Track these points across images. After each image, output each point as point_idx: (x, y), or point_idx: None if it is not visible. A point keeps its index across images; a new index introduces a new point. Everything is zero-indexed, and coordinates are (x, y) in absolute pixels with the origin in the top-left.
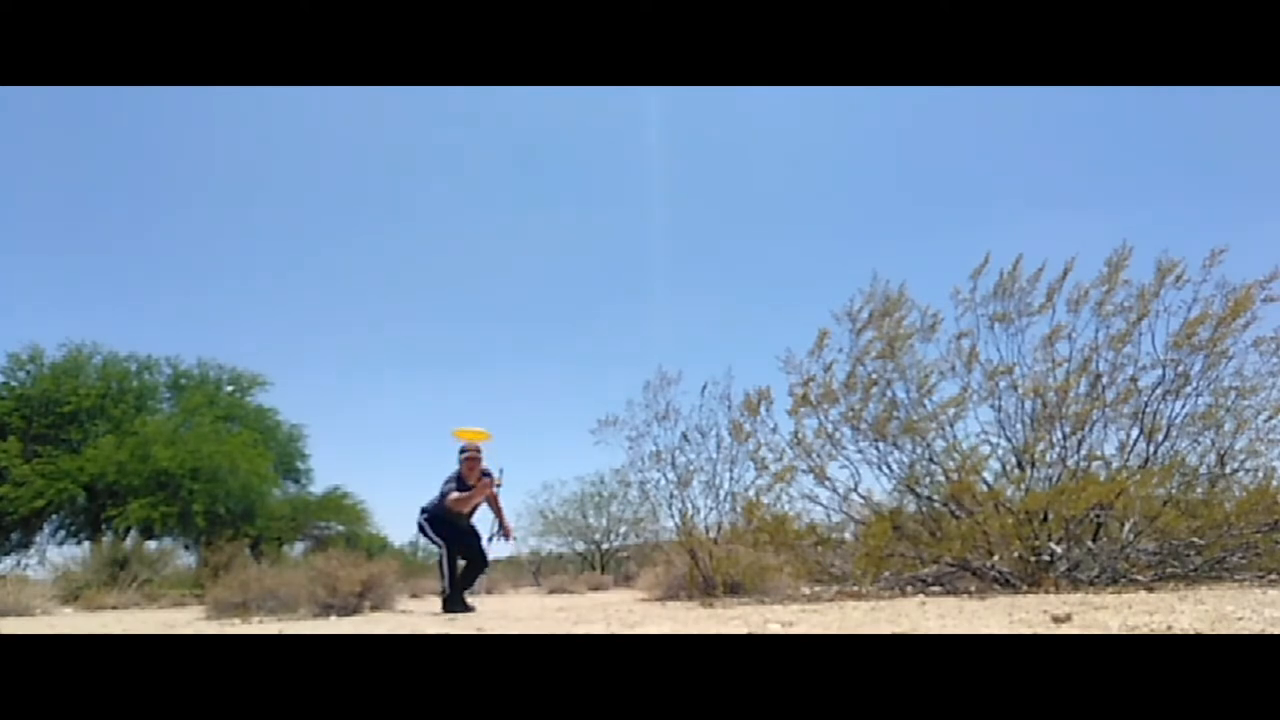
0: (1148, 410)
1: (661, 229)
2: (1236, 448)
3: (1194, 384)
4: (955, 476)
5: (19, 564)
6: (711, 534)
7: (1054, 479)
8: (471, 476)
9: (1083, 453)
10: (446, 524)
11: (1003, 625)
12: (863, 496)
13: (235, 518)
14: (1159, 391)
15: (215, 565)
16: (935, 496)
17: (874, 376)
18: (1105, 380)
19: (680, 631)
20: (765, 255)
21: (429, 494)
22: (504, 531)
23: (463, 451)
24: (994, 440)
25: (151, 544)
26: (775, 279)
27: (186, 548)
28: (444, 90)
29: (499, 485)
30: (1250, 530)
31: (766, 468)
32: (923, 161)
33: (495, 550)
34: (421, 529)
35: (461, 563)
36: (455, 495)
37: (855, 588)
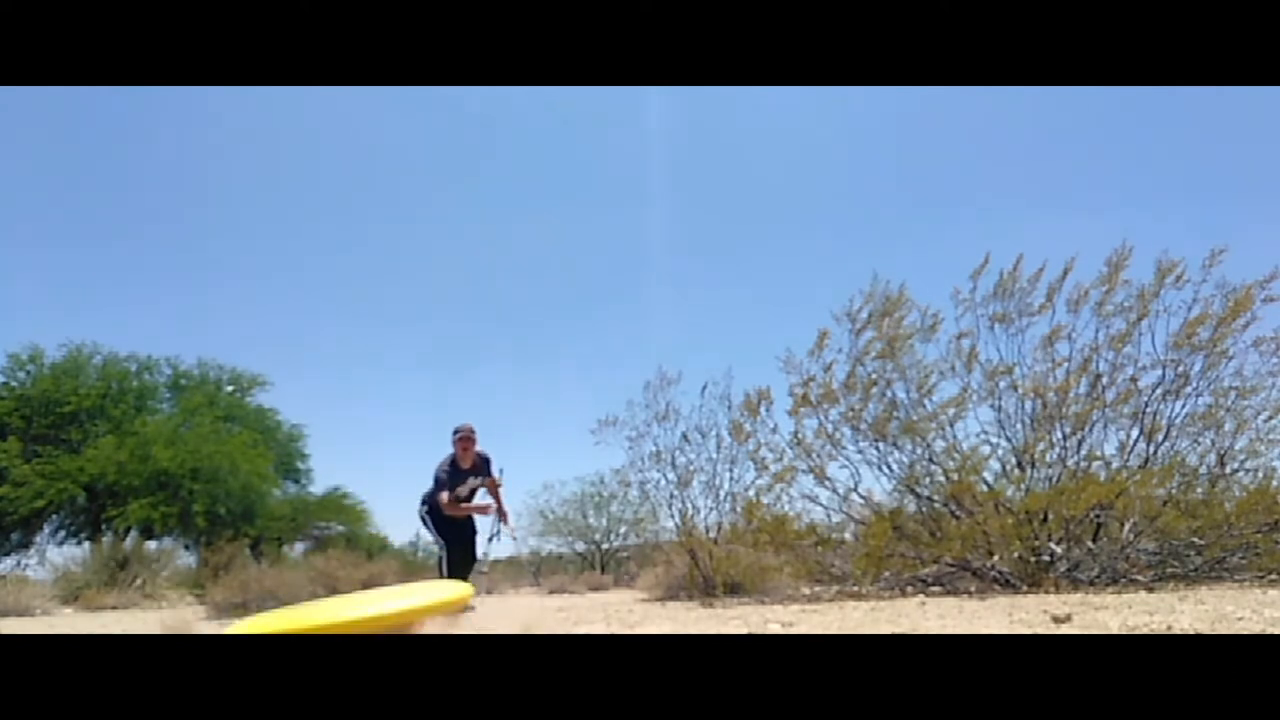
0: (1148, 410)
1: (661, 229)
2: (1236, 448)
3: (1194, 384)
4: (955, 476)
5: (19, 564)
6: (711, 534)
7: (1054, 479)
8: (466, 459)
9: (1083, 453)
10: (446, 517)
11: (1003, 625)
12: (863, 496)
13: (235, 518)
14: (1159, 391)
15: (215, 565)
16: (935, 496)
17: (874, 377)
18: (1105, 380)
19: (680, 631)
20: (765, 255)
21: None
22: (503, 520)
23: (456, 432)
24: (994, 440)
25: (151, 544)
26: (775, 279)
27: (186, 548)
28: (444, 90)
29: (500, 485)
30: (1250, 530)
31: (766, 468)
32: (923, 161)
33: (496, 550)
34: (424, 521)
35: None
36: (448, 502)
37: (855, 588)
